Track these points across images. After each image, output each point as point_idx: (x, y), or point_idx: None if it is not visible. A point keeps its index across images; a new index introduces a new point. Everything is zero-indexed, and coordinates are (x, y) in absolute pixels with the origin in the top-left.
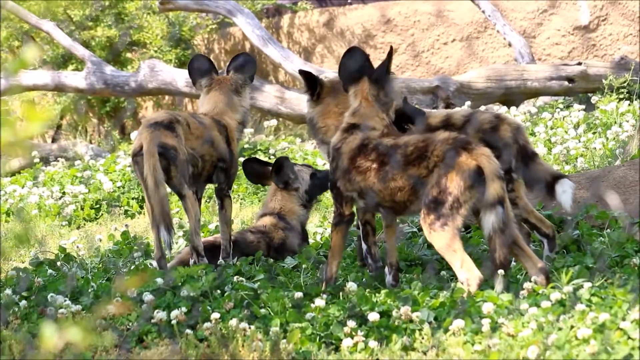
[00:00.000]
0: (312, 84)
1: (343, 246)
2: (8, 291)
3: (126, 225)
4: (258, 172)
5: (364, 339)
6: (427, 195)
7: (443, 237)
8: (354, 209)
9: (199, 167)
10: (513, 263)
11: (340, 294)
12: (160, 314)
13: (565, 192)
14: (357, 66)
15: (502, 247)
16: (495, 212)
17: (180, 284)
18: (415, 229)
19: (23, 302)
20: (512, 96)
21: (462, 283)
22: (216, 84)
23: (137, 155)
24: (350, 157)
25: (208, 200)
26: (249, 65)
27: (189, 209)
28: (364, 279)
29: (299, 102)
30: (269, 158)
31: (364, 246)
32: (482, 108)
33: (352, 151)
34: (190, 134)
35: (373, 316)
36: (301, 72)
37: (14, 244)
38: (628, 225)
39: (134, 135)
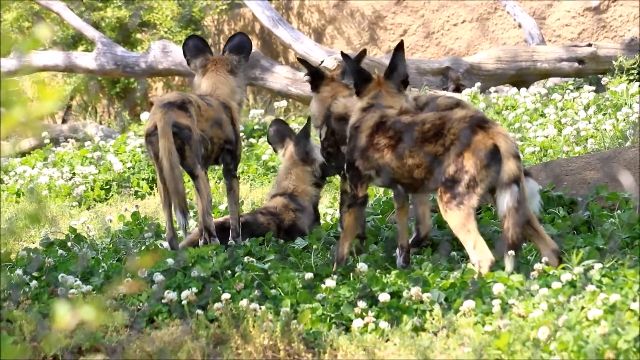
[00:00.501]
0: (311, 73)
1: (356, 227)
2: (19, 271)
3: (136, 206)
4: (282, 134)
5: (374, 319)
6: (443, 173)
7: (458, 216)
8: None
9: (208, 150)
10: (524, 245)
11: (351, 274)
12: (171, 295)
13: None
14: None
15: (515, 226)
16: (511, 191)
17: (191, 264)
18: None
19: (34, 283)
20: (522, 77)
21: (473, 264)
22: (212, 64)
23: (150, 135)
24: (369, 134)
25: (218, 182)
26: (244, 45)
27: (201, 189)
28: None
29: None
30: None
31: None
32: (492, 89)
33: (370, 128)
34: (200, 116)
35: (384, 297)
36: (301, 61)
37: (25, 224)
38: (639, 206)
39: (144, 116)
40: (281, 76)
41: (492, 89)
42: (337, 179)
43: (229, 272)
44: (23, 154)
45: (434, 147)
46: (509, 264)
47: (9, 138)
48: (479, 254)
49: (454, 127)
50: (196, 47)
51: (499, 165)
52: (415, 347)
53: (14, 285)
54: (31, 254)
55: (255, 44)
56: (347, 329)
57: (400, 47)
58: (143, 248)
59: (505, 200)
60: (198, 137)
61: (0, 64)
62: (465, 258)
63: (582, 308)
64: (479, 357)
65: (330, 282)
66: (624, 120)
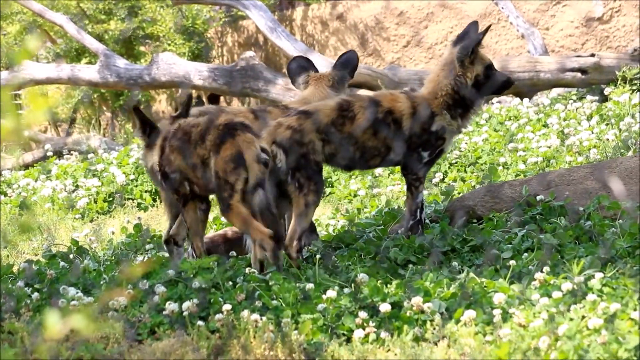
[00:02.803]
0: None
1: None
2: (20, 283)
3: (139, 218)
4: (303, 67)
5: (375, 329)
6: (210, 177)
7: (235, 216)
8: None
9: None
10: (525, 255)
11: (352, 285)
12: (172, 306)
13: None
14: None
15: (266, 225)
16: (257, 194)
17: (192, 275)
18: (427, 221)
19: (35, 294)
20: (525, 88)
21: (253, 263)
22: (313, 79)
23: None
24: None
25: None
26: (350, 62)
27: None
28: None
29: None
30: None
31: None
32: (495, 99)
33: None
34: None
35: (384, 307)
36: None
37: (18, 232)
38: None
39: None
40: (284, 88)
41: (495, 99)
42: (339, 191)
43: (230, 283)
44: (26, 167)
45: (202, 151)
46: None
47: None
48: (260, 253)
49: (212, 133)
50: (300, 66)
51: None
52: (416, 357)
53: (9, 295)
54: (33, 266)
55: (259, 56)
56: (348, 340)
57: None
58: (145, 259)
59: (255, 202)
60: None
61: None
62: (469, 267)
63: (583, 317)
64: None
65: (331, 293)
66: (627, 130)
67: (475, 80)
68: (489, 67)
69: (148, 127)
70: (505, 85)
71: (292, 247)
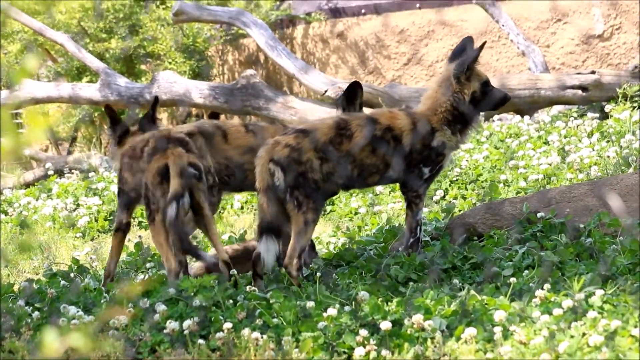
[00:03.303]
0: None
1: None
2: (20, 302)
3: (139, 237)
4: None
5: (376, 347)
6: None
7: (153, 232)
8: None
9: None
10: (525, 272)
11: (353, 302)
12: (172, 324)
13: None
14: None
15: (174, 238)
16: (171, 207)
17: (192, 293)
18: (428, 238)
19: (35, 313)
20: (526, 105)
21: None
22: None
23: None
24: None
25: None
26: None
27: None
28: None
29: (313, 112)
30: None
31: None
32: (496, 117)
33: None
34: None
35: (385, 325)
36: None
37: (18, 251)
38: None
39: None
40: (285, 106)
41: (496, 116)
42: (340, 209)
43: (231, 301)
44: (27, 186)
45: (143, 165)
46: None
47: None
48: (167, 263)
49: (145, 149)
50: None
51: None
52: None
53: (9, 314)
54: (34, 285)
55: (259, 74)
56: (349, 358)
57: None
58: (145, 278)
59: (168, 214)
60: None
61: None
62: (470, 284)
63: (584, 334)
64: None
65: (331, 311)
66: (627, 147)
67: (472, 96)
68: (486, 83)
69: (118, 127)
70: (502, 101)
71: (292, 265)
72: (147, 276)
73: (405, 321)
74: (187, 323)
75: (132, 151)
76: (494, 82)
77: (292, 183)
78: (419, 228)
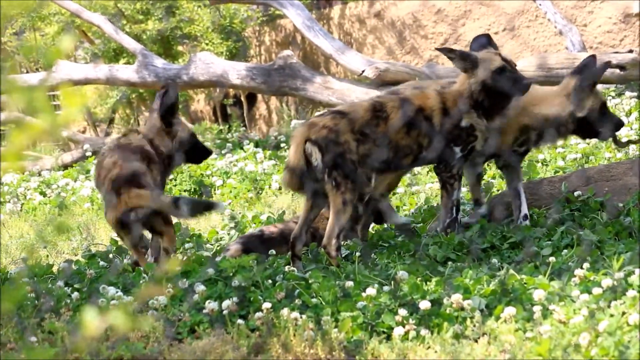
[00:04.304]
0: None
1: None
2: (60, 283)
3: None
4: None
5: (415, 327)
6: None
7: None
8: None
9: None
10: (564, 251)
11: (392, 282)
12: (211, 304)
13: None
14: None
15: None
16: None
17: (231, 274)
18: (467, 218)
19: (75, 294)
20: None
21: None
22: None
23: None
24: None
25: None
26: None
27: None
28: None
29: (350, 92)
30: None
31: None
32: None
33: None
34: None
35: (424, 304)
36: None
37: (56, 232)
38: None
39: None
40: (322, 86)
41: None
42: None
43: (270, 281)
44: (65, 167)
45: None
46: None
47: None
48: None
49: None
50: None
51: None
52: (456, 355)
53: (49, 295)
54: (73, 266)
55: (297, 55)
56: (388, 337)
57: None
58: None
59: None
60: None
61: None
62: (508, 263)
63: (623, 313)
64: None
65: (370, 291)
66: None
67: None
68: (604, 104)
69: None
70: (617, 126)
71: (330, 246)
72: (185, 257)
73: (444, 300)
74: (226, 303)
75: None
76: (532, 61)
77: (331, 163)
78: (454, 209)
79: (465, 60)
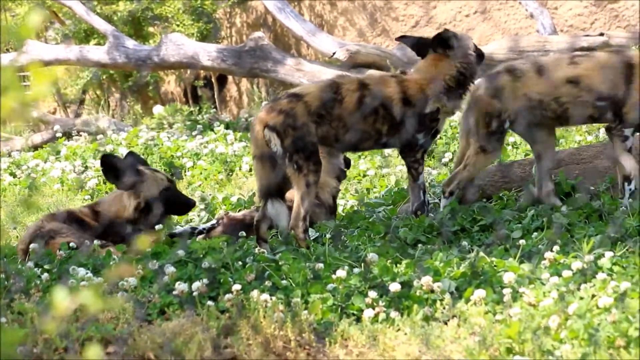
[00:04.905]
0: None
1: None
2: (30, 264)
3: None
4: None
5: (385, 309)
6: None
7: None
8: None
9: None
10: (535, 234)
11: (362, 264)
12: (181, 286)
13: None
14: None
15: None
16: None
17: (201, 255)
18: (437, 200)
19: (45, 275)
20: None
21: None
22: None
23: None
24: None
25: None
26: None
27: None
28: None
29: (321, 74)
30: None
31: None
32: None
33: None
34: None
35: (394, 287)
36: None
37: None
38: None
39: (156, 109)
40: (293, 68)
41: None
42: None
43: (240, 263)
44: (35, 148)
45: None
46: None
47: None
48: None
49: None
50: None
51: None
52: (426, 337)
53: (18, 276)
54: (42, 247)
55: (268, 37)
56: (358, 319)
57: None
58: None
59: None
60: None
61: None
62: (478, 246)
63: (593, 296)
64: (490, 346)
65: (340, 273)
66: None
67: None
68: None
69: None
70: None
71: (298, 228)
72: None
73: (415, 283)
74: (196, 285)
75: None
76: (504, 44)
77: (291, 148)
78: (422, 192)
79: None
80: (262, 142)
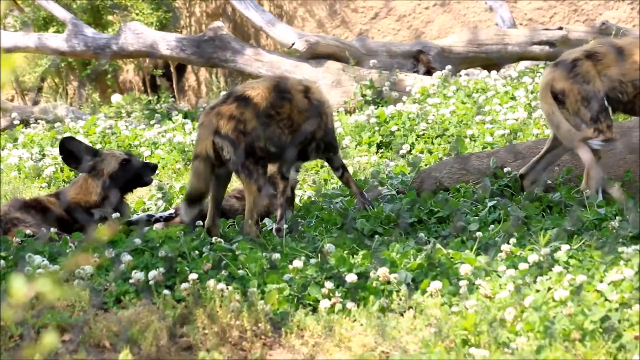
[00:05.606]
0: None
1: None
2: None
3: None
4: None
5: (341, 300)
6: None
7: None
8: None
9: None
10: (491, 226)
11: (319, 255)
12: (138, 274)
13: None
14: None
15: None
16: None
17: (158, 244)
18: (394, 192)
19: (1, 262)
20: (493, 60)
21: None
22: None
23: None
24: None
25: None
26: None
27: None
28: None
29: (280, 64)
30: None
31: None
32: (463, 72)
33: None
34: None
35: (351, 277)
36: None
37: None
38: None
39: (114, 98)
40: (252, 58)
41: (463, 72)
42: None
43: (197, 252)
44: None
45: None
46: None
47: None
48: None
49: None
50: None
51: None
52: (382, 328)
53: None
54: None
55: (227, 26)
56: (314, 310)
57: None
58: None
59: None
60: None
61: None
62: (434, 238)
63: (549, 289)
64: (446, 337)
65: (297, 263)
66: None
67: None
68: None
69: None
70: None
71: (252, 231)
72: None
73: (371, 274)
74: (152, 273)
75: None
76: (463, 37)
77: (243, 156)
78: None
79: None
80: (210, 145)
